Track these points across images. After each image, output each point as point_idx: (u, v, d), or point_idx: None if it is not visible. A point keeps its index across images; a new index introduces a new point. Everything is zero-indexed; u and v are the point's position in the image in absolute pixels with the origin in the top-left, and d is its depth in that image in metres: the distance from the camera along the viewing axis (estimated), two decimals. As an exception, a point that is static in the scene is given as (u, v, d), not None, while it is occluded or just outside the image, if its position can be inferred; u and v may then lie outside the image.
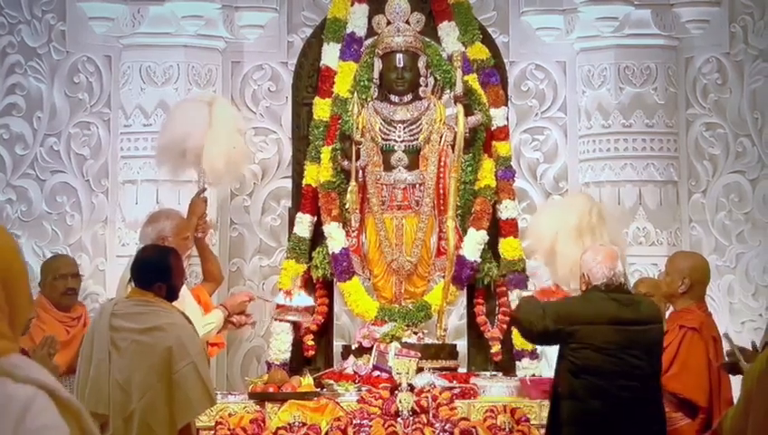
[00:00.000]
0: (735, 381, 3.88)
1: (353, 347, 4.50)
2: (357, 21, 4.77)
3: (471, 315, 4.72)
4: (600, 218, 4.47)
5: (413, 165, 4.62)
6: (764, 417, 2.37)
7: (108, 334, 3.26)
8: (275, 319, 4.44)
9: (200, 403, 3.31)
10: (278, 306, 4.34)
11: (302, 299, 4.33)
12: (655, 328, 3.45)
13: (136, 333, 3.27)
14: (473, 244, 4.57)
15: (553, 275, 4.58)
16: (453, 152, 4.52)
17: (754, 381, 2.47)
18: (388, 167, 4.61)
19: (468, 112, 4.52)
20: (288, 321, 4.42)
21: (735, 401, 3.75)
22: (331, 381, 4.28)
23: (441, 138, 4.59)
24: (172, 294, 3.44)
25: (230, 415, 4.02)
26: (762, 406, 2.40)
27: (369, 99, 4.66)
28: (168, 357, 3.23)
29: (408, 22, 4.73)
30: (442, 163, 4.59)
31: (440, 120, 4.61)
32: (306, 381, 4.13)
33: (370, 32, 4.78)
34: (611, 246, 3.75)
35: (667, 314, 4.19)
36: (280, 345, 4.53)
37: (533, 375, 4.43)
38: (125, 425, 3.20)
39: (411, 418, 3.92)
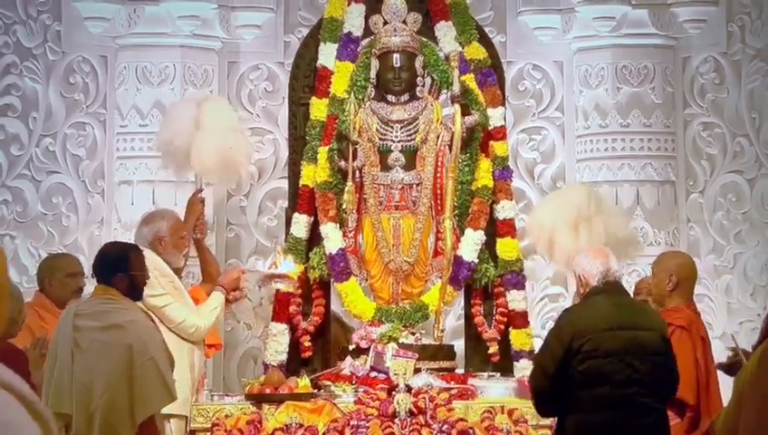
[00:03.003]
0: (723, 380, 3.87)
1: (350, 348, 4.48)
2: (353, 21, 4.75)
3: (468, 316, 4.70)
4: (598, 209, 4.46)
5: (410, 165, 4.60)
6: (756, 417, 2.36)
7: (71, 335, 3.27)
8: (259, 287, 4.42)
9: (160, 398, 3.31)
10: (263, 277, 4.32)
11: (286, 265, 4.31)
12: (654, 334, 3.38)
13: (97, 332, 3.28)
14: (470, 244, 4.56)
15: (553, 264, 4.55)
16: (450, 152, 4.50)
17: (746, 381, 2.46)
18: (386, 167, 4.60)
19: (465, 112, 4.51)
20: (275, 288, 4.39)
21: (723, 399, 3.75)
22: (329, 383, 4.26)
23: (438, 138, 4.58)
24: (134, 290, 3.42)
25: (227, 416, 4.00)
26: (753, 406, 2.39)
27: (365, 99, 4.65)
28: (128, 355, 3.24)
29: (404, 22, 4.72)
30: (439, 163, 4.57)
31: (437, 120, 4.60)
32: (303, 383, 4.11)
33: (367, 32, 4.77)
34: (601, 246, 3.72)
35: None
36: (277, 346, 4.51)
37: (531, 376, 4.41)
38: (87, 424, 3.20)
39: (409, 419, 3.90)
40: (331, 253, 4.55)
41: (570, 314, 3.39)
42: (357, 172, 4.53)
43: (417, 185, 4.58)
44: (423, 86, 4.66)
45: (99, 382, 3.22)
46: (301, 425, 3.92)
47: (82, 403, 3.21)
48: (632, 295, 4.47)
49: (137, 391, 3.23)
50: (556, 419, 3.40)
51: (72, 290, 4.29)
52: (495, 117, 4.70)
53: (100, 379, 3.22)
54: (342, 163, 4.54)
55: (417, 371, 4.23)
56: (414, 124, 4.61)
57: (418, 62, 4.64)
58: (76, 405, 3.21)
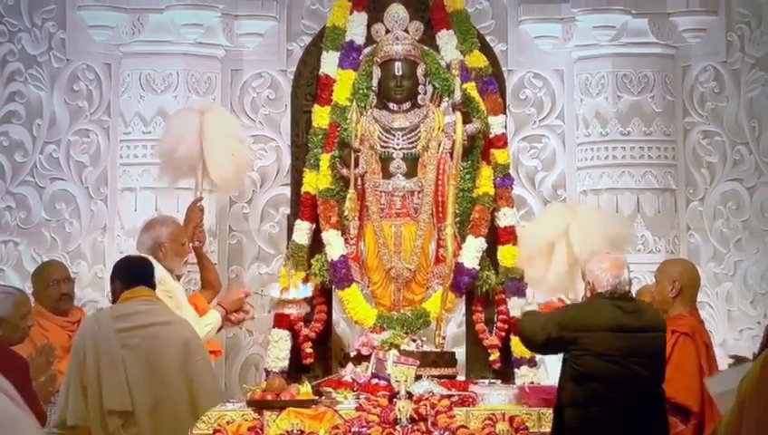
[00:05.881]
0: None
1: (352, 355, 4.50)
2: (356, 29, 4.79)
3: (470, 323, 4.72)
4: (589, 219, 4.46)
5: (412, 172, 4.63)
6: (757, 425, 2.37)
7: (114, 337, 3.30)
8: (273, 312, 4.43)
9: (214, 398, 3.42)
10: (278, 301, 4.33)
11: (299, 291, 4.32)
12: (657, 336, 3.44)
13: (148, 328, 3.35)
14: (471, 251, 4.58)
15: (540, 285, 4.53)
16: (451, 160, 4.53)
17: (749, 387, 2.47)
18: (387, 174, 4.62)
19: (467, 120, 4.53)
20: (286, 313, 4.41)
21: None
22: (330, 389, 4.28)
23: (439, 145, 4.61)
24: None
25: (228, 423, 4.01)
26: (755, 413, 2.41)
27: (367, 107, 4.67)
28: (185, 349, 3.34)
29: (406, 30, 4.75)
30: (441, 171, 4.60)
31: (439, 128, 4.63)
32: (304, 389, 4.13)
33: (369, 40, 4.80)
34: (618, 254, 3.75)
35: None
36: (278, 353, 4.53)
37: (532, 383, 4.43)
38: (149, 417, 3.24)
39: (410, 426, 3.92)
40: (332, 260, 4.57)
41: (572, 308, 3.47)
42: (359, 179, 4.55)
43: (419, 192, 4.60)
44: (425, 94, 4.69)
45: (159, 376, 3.28)
46: (302, 431, 3.93)
47: (143, 398, 3.26)
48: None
49: (196, 388, 3.30)
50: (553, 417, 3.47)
51: (55, 299, 4.35)
52: (496, 125, 4.73)
53: (161, 372, 3.28)
54: (344, 170, 4.56)
55: (418, 377, 4.24)
56: (415, 132, 4.63)
57: (420, 71, 4.66)
58: (137, 401, 3.25)
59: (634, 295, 4.57)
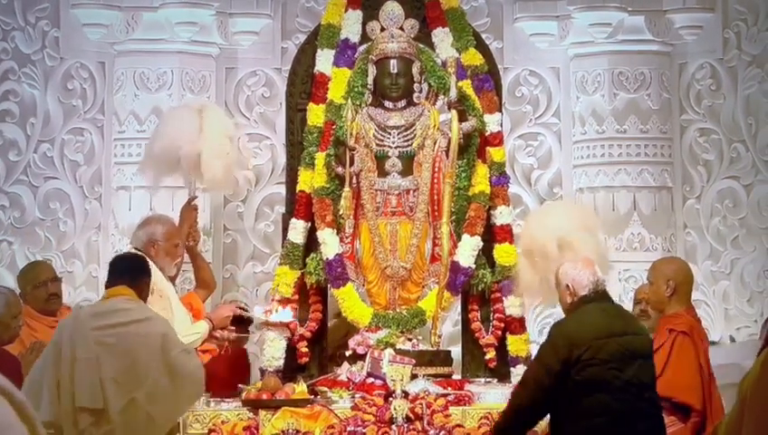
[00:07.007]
0: (723, 385, 3.88)
1: (347, 354, 4.49)
2: (351, 27, 4.77)
3: (465, 322, 4.71)
4: (589, 229, 4.46)
5: (407, 171, 4.61)
6: (757, 423, 2.36)
7: (90, 335, 3.29)
8: (252, 332, 4.45)
9: (198, 386, 3.42)
10: (260, 323, 4.36)
11: (280, 315, 4.33)
12: (644, 338, 3.40)
13: (125, 326, 3.34)
14: (467, 250, 4.56)
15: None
16: (447, 158, 4.51)
17: (749, 386, 2.46)
18: (383, 172, 4.61)
19: (462, 118, 4.52)
20: (267, 335, 4.43)
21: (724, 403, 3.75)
22: (325, 388, 4.26)
23: (435, 143, 4.59)
24: (146, 297, 3.56)
25: (223, 422, 4.00)
26: (756, 411, 2.40)
27: (363, 105, 4.66)
28: (163, 342, 3.32)
29: (401, 28, 4.73)
30: (436, 169, 4.58)
31: (434, 126, 4.61)
32: (300, 388, 4.11)
33: (364, 38, 4.78)
34: (584, 256, 3.72)
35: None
36: (273, 352, 4.52)
37: (528, 381, 4.41)
38: (122, 416, 3.23)
39: (405, 425, 3.91)
40: (328, 258, 4.55)
41: (562, 325, 3.39)
42: (354, 178, 4.54)
43: (415, 190, 4.59)
44: (420, 92, 4.67)
45: (136, 373, 3.27)
46: (297, 431, 3.92)
47: (115, 396, 3.26)
48: (633, 303, 4.48)
49: (177, 382, 3.30)
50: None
51: (43, 299, 4.33)
52: (492, 123, 4.71)
53: (139, 369, 3.28)
54: (339, 169, 4.55)
55: (414, 376, 4.23)
56: (411, 130, 4.62)
57: (415, 69, 4.65)
58: (109, 399, 3.24)
59: (630, 294, 4.59)
